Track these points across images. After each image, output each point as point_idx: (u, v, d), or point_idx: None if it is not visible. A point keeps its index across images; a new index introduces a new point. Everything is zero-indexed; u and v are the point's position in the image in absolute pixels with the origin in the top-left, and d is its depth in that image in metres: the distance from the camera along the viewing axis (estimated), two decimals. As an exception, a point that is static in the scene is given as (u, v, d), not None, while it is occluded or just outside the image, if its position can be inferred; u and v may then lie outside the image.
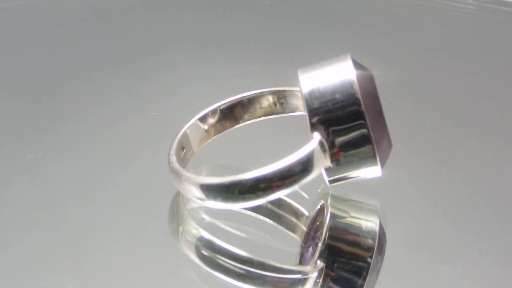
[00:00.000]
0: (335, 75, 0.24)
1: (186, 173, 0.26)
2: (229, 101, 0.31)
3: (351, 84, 0.24)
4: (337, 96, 0.24)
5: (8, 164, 0.35)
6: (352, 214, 0.25)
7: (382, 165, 0.26)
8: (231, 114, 0.32)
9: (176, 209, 0.29)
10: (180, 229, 0.28)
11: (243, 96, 0.31)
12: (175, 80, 0.47)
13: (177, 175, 0.26)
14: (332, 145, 0.24)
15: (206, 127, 0.31)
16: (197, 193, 0.25)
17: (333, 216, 0.25)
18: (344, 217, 0.25)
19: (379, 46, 0.53)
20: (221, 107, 0.31)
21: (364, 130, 0.24)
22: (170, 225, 0.29)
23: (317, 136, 0.24)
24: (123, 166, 0.35)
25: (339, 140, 0.24)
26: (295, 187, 0.23)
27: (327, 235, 0.24)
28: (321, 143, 0.24)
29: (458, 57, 0.51)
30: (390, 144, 0.27)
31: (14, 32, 0.55)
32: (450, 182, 0.34)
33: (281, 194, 0.23)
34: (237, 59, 0.51)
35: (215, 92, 0.44)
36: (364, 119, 0.23)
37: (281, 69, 0.49)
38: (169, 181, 0.28)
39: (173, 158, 0.27)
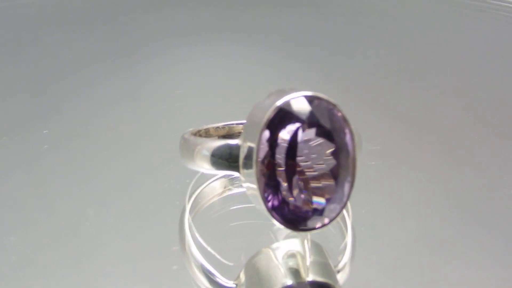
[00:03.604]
0: (272, 99, 0.23)
1: (201, 139, 0.26)
2: None
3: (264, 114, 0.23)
4: (255, 118, 0.23)
5: (9, 164, 0.35)
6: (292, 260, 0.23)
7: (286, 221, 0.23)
8: None
9: (182, 221, 0.29)
10: (185, 244, 0.28)
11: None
12: (176, 80, 0.47)
13: (190, 145, 0.26)
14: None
15: None
16: (207, 164, 0.25)
17: (272, 249, 0.24)
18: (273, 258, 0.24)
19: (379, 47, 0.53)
20: None
21: (251, 162, 0.23)
22: (179, 238, 0.29)
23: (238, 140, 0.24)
24: (126, 168, 0.35)
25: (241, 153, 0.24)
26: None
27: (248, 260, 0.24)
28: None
29: (459, 57, 0.51)
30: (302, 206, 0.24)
31: (12, 31, 0.55)
32: (452, 182, 0.34)
33: None
34: (238, 58, 0.51)
35: (216, 92, 0.44)
36: (256, 148, 0.22)
37: (285, 68, 0.49)
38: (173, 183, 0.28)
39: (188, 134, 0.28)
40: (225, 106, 0.41)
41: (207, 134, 0.32)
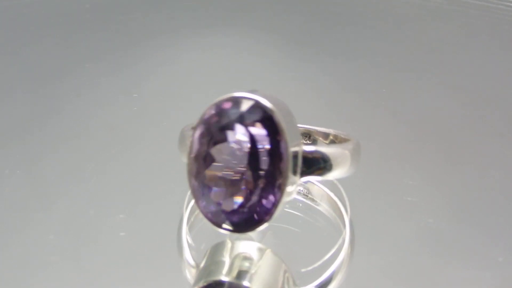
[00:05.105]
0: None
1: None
2: None
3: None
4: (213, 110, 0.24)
5: (9, 164, 0.35)
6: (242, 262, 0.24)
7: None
8: None
9: (180, 225, 0.29)
10: (184, 256, 0.28)
11: None
12: (176, 77, 0.47)
13: (185, 138, 0.27)
14: None
15: None
16: None
17: (232, 243, 0.24)
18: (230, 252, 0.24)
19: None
20: None
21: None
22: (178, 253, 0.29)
23: None
24: (127, 168, 0.35)
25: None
26: None
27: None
28: None
29: (459, 57, 0.51)
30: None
31: (12, 31, 0.55)
32: (452, 182, 0.34)
33: None
34: (239, 55, 0.51)
35: (217, 89, 0.44)
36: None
37: (287, 67, 0.49)
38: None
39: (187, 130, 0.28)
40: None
41: None
